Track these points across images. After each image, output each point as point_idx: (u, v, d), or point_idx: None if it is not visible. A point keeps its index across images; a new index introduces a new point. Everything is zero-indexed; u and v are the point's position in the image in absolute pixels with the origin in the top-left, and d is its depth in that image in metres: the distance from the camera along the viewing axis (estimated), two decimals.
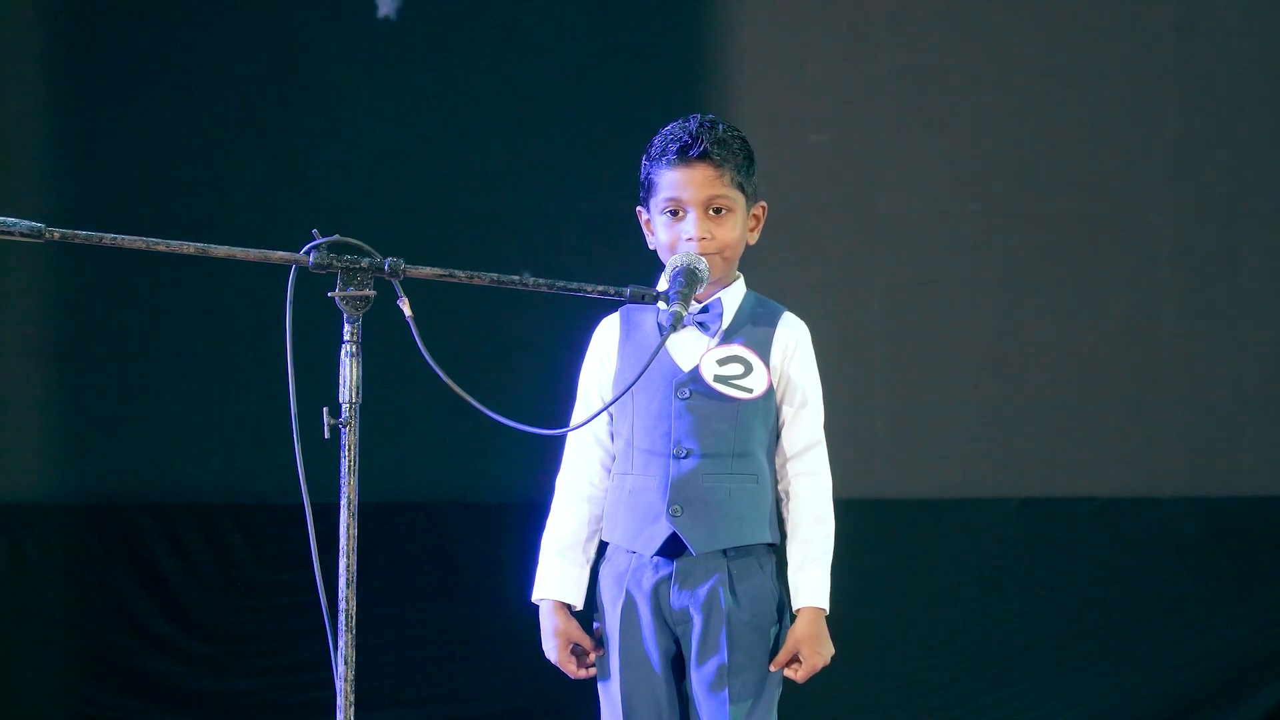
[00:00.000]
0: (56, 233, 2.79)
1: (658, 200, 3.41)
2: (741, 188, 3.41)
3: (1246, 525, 6.45)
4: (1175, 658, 6.37)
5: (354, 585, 2.87)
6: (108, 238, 2.84)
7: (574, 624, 3.42)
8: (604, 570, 3.42)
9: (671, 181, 3.38)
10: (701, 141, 3.37)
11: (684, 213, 3.39)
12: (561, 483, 3.47)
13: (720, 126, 3.41)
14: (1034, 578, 6.46)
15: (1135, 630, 6.40)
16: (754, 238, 3.47)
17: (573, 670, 3.44)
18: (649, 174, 3.42)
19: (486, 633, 6.26)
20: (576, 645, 3.42)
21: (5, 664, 6.43)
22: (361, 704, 2.88)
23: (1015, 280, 6.52)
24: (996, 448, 6.53)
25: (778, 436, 3.42)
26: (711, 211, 3.39)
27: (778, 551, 3.41)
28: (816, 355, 3.47)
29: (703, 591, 3.33)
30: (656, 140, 3.43)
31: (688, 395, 3.35)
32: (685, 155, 3.37)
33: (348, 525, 2.87)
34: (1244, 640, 6.40)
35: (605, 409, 3.34)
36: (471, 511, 6.49)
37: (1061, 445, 6.52)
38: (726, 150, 3.39)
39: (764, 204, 3.47)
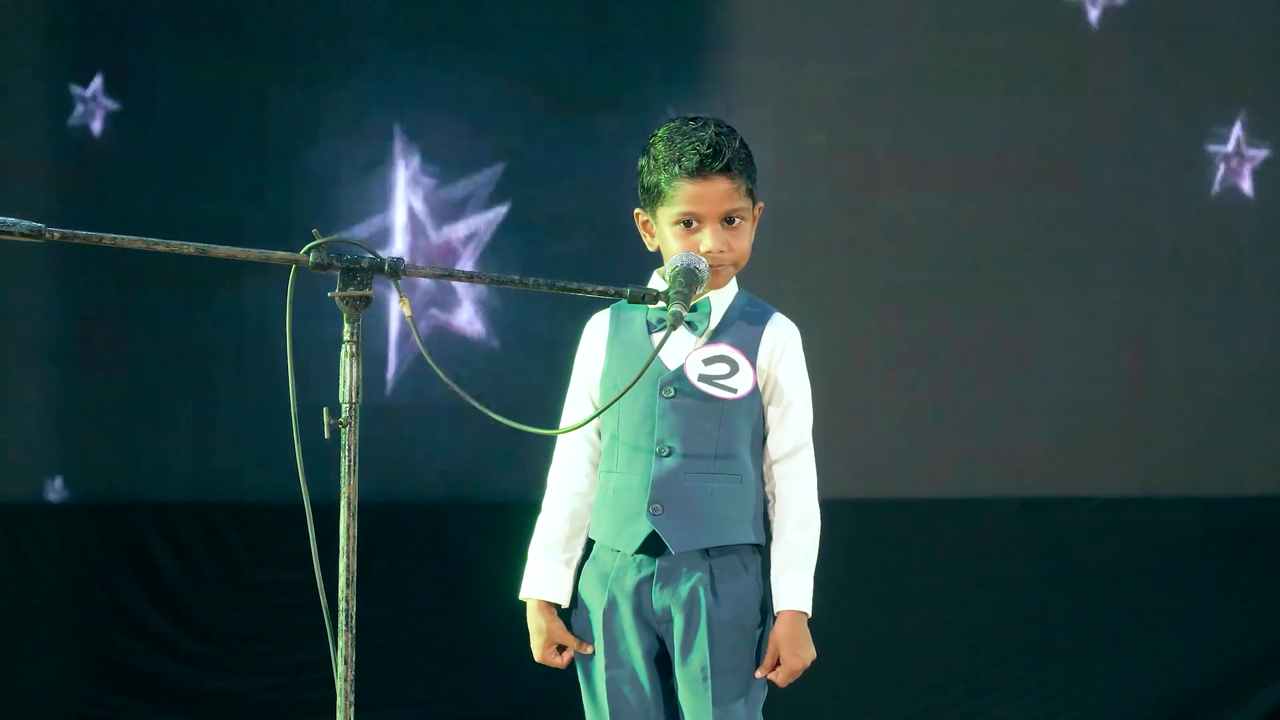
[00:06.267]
0: (56, 233, 2.79)
1: (669, 211, 3.36)
2: (750, 194, 3.39)
3: (1246, 525, 6.45)
4: (1175, 658, 6.37)
5: (354, 585, 2.87)
6: (108, 238, 2.84)
7: (557, 623, 3.42)
8: (588, 569, 3.41)
9: (689, 195, 3.34)
10: (723, 155, 3.33)
11: (699, 225, 3.36)
12: (550, 480, 3.47)
13: (737, 138, 3.39)
14: (1034, 578, 6.46)
15: (1135, 630, 6.40)
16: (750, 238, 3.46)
17: (560, 664, 3.43)
18: (658, 181, 3.37)
19: (486, 633, 6.26)
20: (562, 643, 3.42)
21: (5, 664, 6.44)
22: (361, 704, 2.88)
23: (1015, 280, 6.52)
24: (996, 448, 6.53)
25: (765, 438, 3.41)
26: (725, 223, 3.37)
27: (763, 553, 3.39)
28: (815, 355, 3.46)
29: (684, 591, 3.32)
30: (663, 146, 3.37)
31: (672, 394, 3.34)
32: (705, 169, 3.33)
33: (348, 525, 2.87)
34: (1244, 640, 6.40)
35: (603, 410, 3.33)
36: (471, 511, 6.49)
37: (1061, 445, 6.52)
38: (741, 162, 3.36)
39: (761, 205, 3.46)
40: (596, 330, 3.46)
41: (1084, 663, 6.38)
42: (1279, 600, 6.42)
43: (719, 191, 3.35)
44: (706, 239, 3.34)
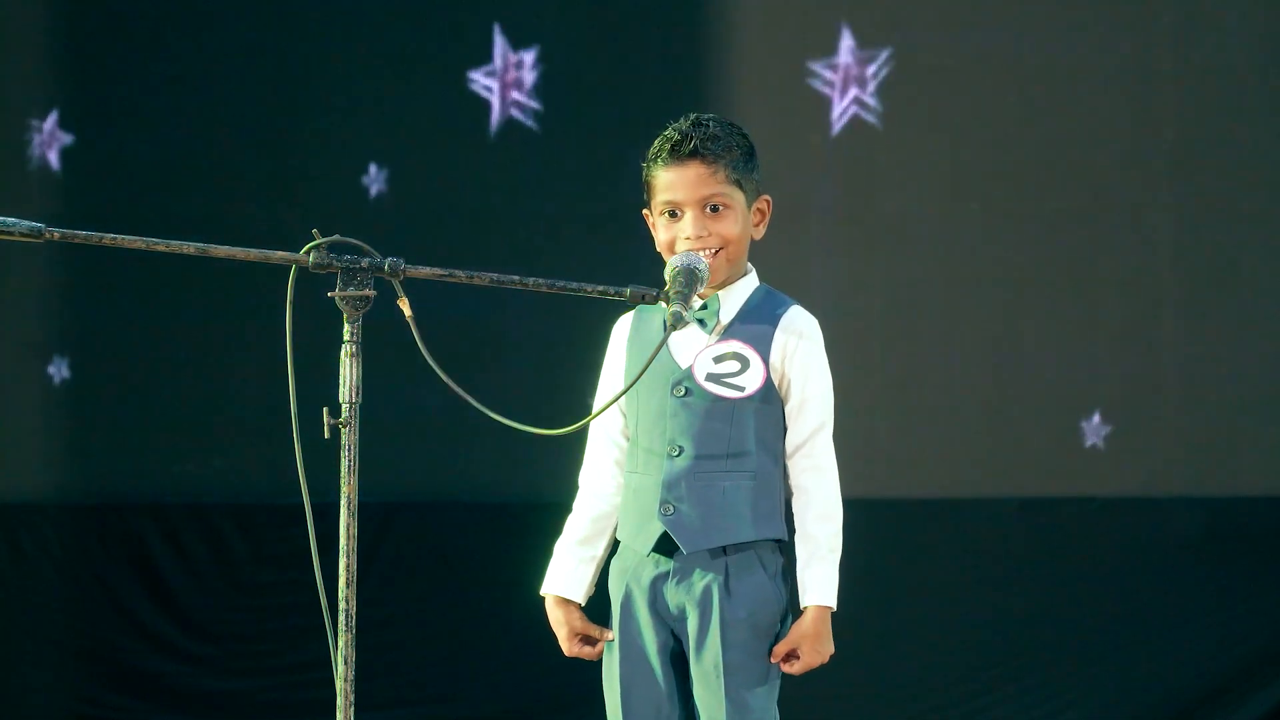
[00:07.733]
0: (56, 233, 2.79)
1: (657, 202, 3.40)
2: (739, 184, 3.38)
3: (1247, 525, 6.45)
4: (1175, 658, 6.37)
5: (354, 585, 2.87)
6: (108, 238, 2.85)
7: (575, 615, 3.43)
8: (613, 564, 3.43)
9: (666, 182, 3.37)
10: (691, 139, 3.35)
11: (681, 213, 3.38)
12: (580, 481, 3.49)
13: (713, 123, 3.39)
14: (1034, 578, 6.45)
15: (1135, 630, 6.39)
16: (759, 233, 3.45)
17: (589, 654, 3.45)
18: (647, 176, 3.42)
19: (487, 633, 6.27)
20: (586, 635, 3.43)
21: (5, 664, 6.44)
22: (361, 704, 2.88)
23: (1015, 280, 6.52)
24: (996, 448, 6.52)
25: (785, 434, 3.40)
26: (708, 210, 3.37)
27: (785, 549, 3.39)
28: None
29: (698, 589, 3.33)
30: (655, 142, 3.42)
31: (683, 393, 3.35)
32: (677, 154, 3.36)
33: (348, 525, 2.88)
34: (1244, 640, 6.40)
35: (600, 412, 3.34)
36: (471, 511, 6.49)
37: (1062, 445, 6.51)
38: (719, 146, 3.36)
39: (768, 198, 3.45)
40: (620, 331, 3.48)
41: (1084, 663, 6.38)
42: (1279, 600, 6.42)
43: (694, 176, 3.36)
44: (686, 225, 3.36)
